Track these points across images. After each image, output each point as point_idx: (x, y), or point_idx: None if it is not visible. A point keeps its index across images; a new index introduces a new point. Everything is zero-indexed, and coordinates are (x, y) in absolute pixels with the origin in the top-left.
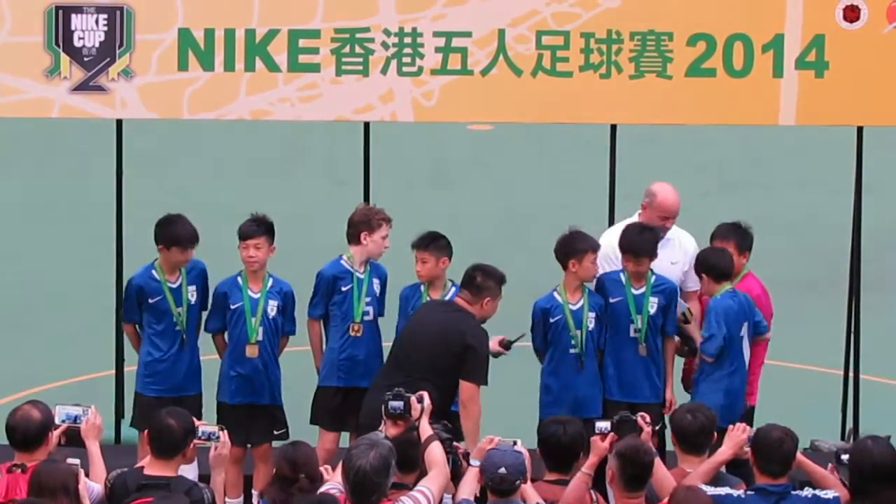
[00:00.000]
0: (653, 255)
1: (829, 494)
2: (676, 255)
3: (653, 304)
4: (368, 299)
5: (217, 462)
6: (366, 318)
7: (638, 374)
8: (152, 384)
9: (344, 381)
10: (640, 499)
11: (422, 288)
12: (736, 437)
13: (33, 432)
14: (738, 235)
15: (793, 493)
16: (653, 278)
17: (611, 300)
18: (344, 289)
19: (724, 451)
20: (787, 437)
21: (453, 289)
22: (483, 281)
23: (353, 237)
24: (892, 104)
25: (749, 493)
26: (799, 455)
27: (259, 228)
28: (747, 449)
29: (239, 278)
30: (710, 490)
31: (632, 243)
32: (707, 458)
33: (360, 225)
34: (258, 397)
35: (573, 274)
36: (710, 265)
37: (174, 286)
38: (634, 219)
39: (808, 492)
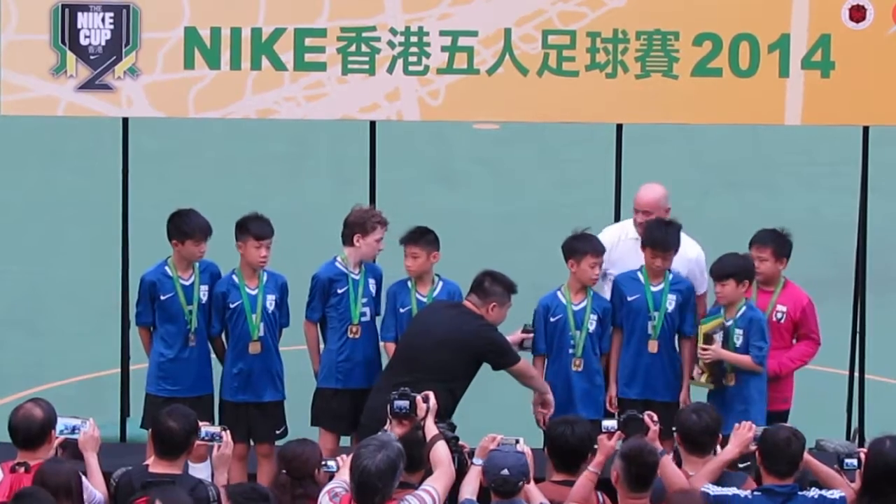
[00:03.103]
0: (678, 248)
1: (835, 494)
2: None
3: (671, 302)
4: (365, 300)
5: (220, 462)
6: (363, 319)
7: (655, 371)
8: (166, 385)
9: (342, 383)
10: (645, 499)
11: (409, 284)
12: (742, 436)
13: (35, 431)
14: (776, 241)
15: (799, 493)
16: (670, 276)
17: (628, 298)
18: (340, 291)
19: (730, 450)
20: (794, 437)
21: (441, 283)
22: (491, 286)
23: (347, 238)
24: None
25: (756, 493)
26: (806, 455)
27: (271, 228)
28: (753, 447)
29: (234, 276)
30: (717, 490)
31: (657, 238)
32: (712, 458)
33: (355, 227)
34: (261, 394)
35: (573, 274)
36: (752, 272)
37: (186, 284)
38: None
39: (814, 492)
